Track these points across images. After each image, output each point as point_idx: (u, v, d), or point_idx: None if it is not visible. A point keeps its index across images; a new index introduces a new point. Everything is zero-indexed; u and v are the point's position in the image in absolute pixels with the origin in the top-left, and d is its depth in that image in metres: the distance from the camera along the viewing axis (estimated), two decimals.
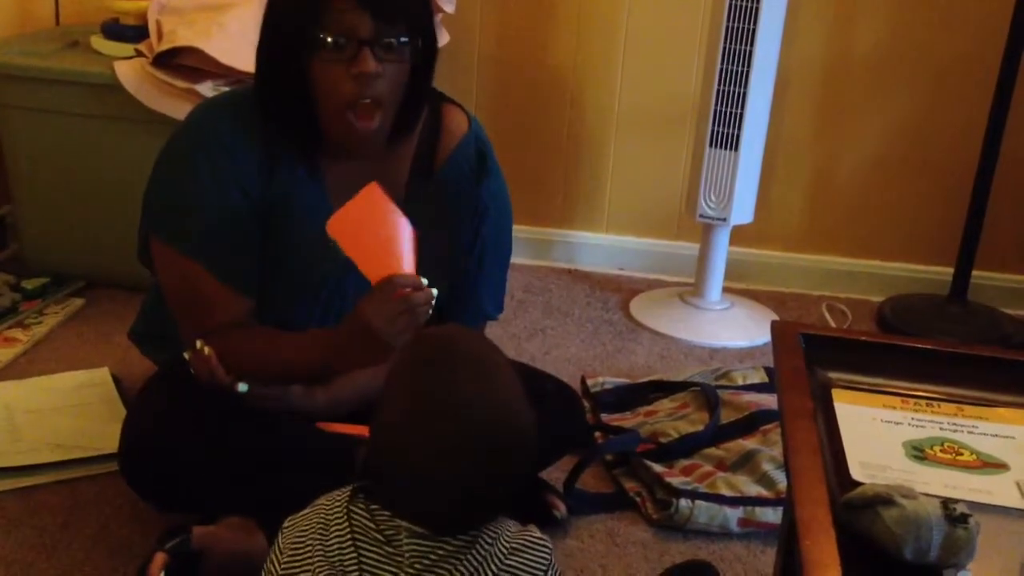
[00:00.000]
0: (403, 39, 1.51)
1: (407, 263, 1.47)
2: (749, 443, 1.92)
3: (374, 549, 1.10)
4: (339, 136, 1.56)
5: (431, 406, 1.10)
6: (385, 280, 1.46)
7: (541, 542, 1.16)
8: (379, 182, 1.67)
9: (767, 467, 1.84)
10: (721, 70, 2.38)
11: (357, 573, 1.10)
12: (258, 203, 1.59)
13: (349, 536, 1.12)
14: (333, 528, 1.13)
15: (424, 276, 1.47)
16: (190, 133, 1.64)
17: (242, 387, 1.55)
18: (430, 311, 1.48)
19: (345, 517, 1.13)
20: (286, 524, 1.18)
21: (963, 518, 0.95)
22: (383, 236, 1.48)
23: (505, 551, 1.13)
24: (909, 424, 1.21)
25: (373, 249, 1.48)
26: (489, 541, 1.12)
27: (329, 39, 1.48)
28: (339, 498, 1.16)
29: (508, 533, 1.15)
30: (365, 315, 1.46)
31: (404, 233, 1.48)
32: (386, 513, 1.11)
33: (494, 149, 1.75)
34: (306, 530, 1.15)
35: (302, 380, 1.60)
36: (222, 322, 1.59)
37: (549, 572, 1.15)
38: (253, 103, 1.60)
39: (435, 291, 1.48)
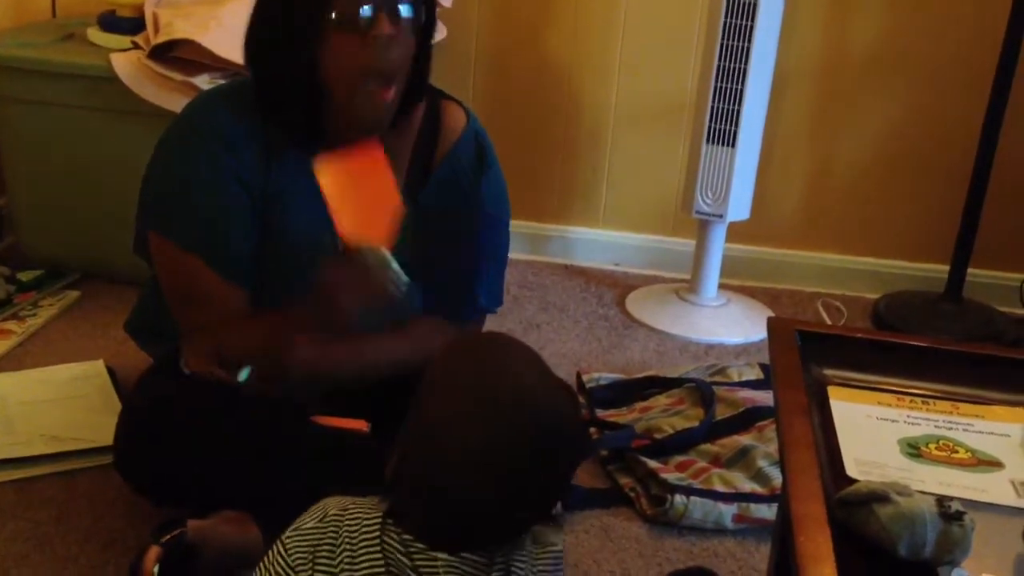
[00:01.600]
0: (411, 9, 1.53)
1: (381, 234, 1.46)
2: (744, 439, 1.93)
3: None
4: (354, 112, 1.54)
5: (490, 393, 1.07)
6: (355, 250, 1.46)
7: (559, 553, 1.16)
8: None
9: (762, 463, 1.84)
10: (718, 66, 2.38)
11: None
12: (256, 195, 1.59)
13: (382, 566, 1.08)
14: (362, 556, 1.08)
15: (419, 274, 1.47)
16: (188, 125, 1.63)
17: (242, 375, 1.54)
18: (398, 292, 1.47)
19: (378, 548, 1.08)
20: (289, 534, 1.13)
21: (958, 515, 0.96)
22: (367, 197, 1.47)
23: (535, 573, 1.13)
24: (904, 421, 1.21)
25: (352, 204, 1.47)
26: (522, 568, 1.11)
27: (345, 10, 1.49)
28: (368, 522, 1.10)
29: (535, 555, 1.13)
30: (326, 276, 1.47)
31: (388, 205, 1.47)
32: (419, 545, 1.08)
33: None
34: (320, 545, 1.10)
35: (277, 344, 1.59)
36: (220, 315, 1.59)
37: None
38: (250, 95, 1.60)
39: (405, 279, 1.47)
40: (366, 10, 1.49)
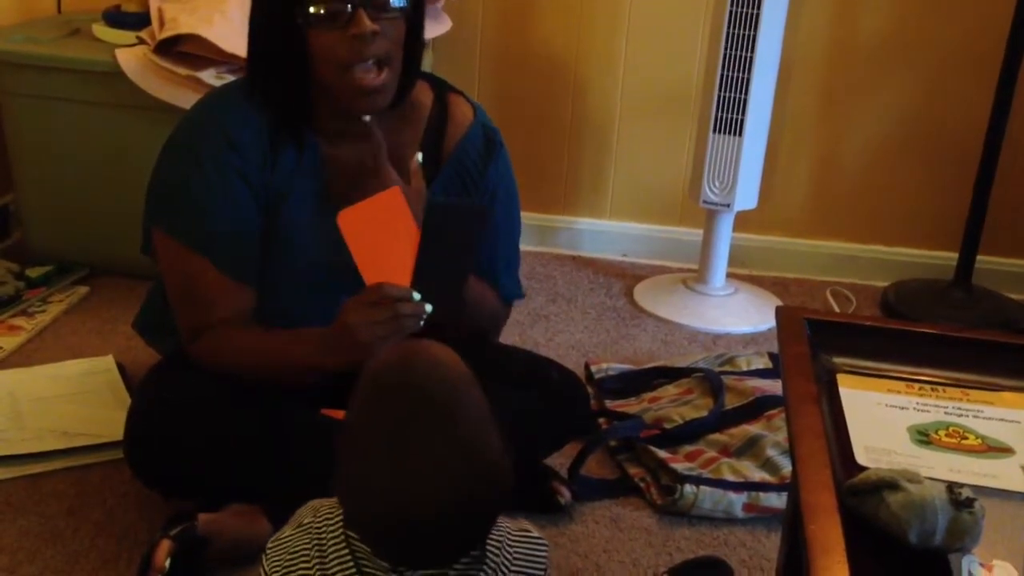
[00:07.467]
0: None
1: (403, 275, 1.48)
2: (753, 428, 1.92)
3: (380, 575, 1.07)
4: (347, 98, 1.54)
5: (395, 459, 1.02)
6: (375, 285, 1.47)
7: (540, 542, 1.15)
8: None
9: (771, 452, 1.84)
10: (724, 55, 2.38)
11: None
12: (260, 193, 1.59)
13: (351, 562, 1.07)
14: (331, 553, 1.09)
15: (425, 286, 1.47)
16: (194, 126, 1.63)
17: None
18: (420, 323, 1.48)
19: (343, 542, 1.09)
20: (269, 546, 1.14)
21: (968, 502, 0.95)
22: (389, 242, 1.49)
23: (510, 557, 1.12)
24: (914, 409, 1.20)
25: (375, 252, 1.49)
26: (495, 553, 1.11)
27: (322, 7, 1.49)
28: (332, 521, 1.10)
29: (510, 539, 1.13)
30: (347, 314, 1.47)
31: (410, 245, 1.49)
32: None
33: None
34: (296, 553, 1.11)
35: (294, 376, 1.59)
36: (223, 316, 1.59)
37: (549, 570, 1.15)
38: (252, 90, 1.60)
39: (428, 307, 1.48)
40: (343, 10, 1.49)
